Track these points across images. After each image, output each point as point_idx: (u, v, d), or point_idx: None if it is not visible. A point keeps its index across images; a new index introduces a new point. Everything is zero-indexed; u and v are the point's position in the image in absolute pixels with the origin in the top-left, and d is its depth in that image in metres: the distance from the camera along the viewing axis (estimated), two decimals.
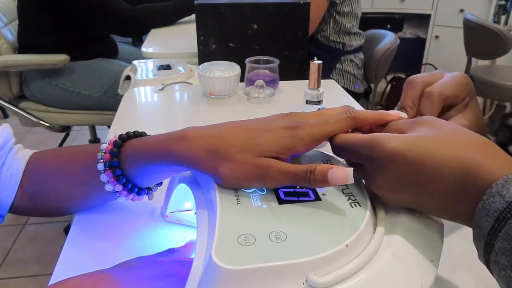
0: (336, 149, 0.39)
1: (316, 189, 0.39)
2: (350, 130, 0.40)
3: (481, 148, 0.32)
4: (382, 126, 0.39)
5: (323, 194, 0.38)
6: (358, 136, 0.37)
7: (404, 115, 0.40)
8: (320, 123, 0.38)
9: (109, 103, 1.61)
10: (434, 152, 0.32)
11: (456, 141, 0.32)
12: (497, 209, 0.28)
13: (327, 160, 0.42)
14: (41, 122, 1.67)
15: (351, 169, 0.35)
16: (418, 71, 2.86)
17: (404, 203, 0.36)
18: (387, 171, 0.34)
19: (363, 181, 0.39)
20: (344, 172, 0.35)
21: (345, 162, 0.41)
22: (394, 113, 0.40)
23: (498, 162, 0.30)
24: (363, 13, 1.73)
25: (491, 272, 0.30)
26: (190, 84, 1.07)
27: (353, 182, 0.35)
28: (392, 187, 0.34)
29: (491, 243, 0.29)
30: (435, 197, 0.33)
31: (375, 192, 0.36)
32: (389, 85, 2.79)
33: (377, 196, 0.37)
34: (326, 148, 0.43)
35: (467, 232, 0.50)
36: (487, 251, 0.29)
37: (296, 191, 0.38)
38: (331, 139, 0.39)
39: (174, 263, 0.42)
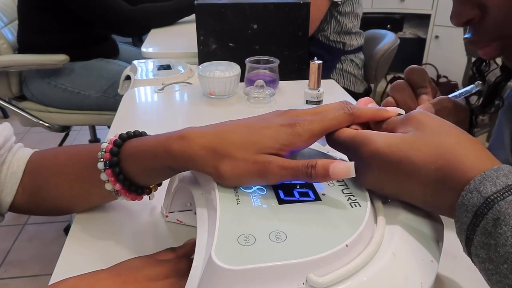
0: (330, 142, 0.40)
1: (316, 189, 0.39)
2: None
3: (463, 145, 0.33)
4: (379, 122, 0.40)
5: (323, 194, 0.38)
6: (348, 131, 0.39)
7: (401, 111, 0.40)
8: (318, 120, 0.39)
9: (108, 103, 1.61)
10: (413, 155, 0.34)
11: (437, 141, 0.34)
12: (475, 205, 0.29)
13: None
14: (40, 122, 1.67)
15: (352, 163, 0.36)
16: None
17: (389, 195, 0.38)
18: (370, 168, 0.36)
19: None
20: (345, 166, 0.36)
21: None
22: (391, 109, 0.40)
23: (476, 159, 0.32)
24: (363, 13, 1.73)
25: (475, 265, 0.31)
26: (190, 84, 1.07)
27: (354, 175, 0.36)
28: (375, 181, 0.37)
29: (470, 237, 0.30)
30: (414, 194, 0.35)
31: (361, 184, 0.38)
32: (389, 85, 2.79)
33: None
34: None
35: None
36: (468, 244, 0.30)
37: (295, 191, 0.38)
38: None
39: (172, 263, 0.42)
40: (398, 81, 0.54)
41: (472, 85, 0.54)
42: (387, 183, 0.36)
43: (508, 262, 0.27)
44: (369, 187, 0.38)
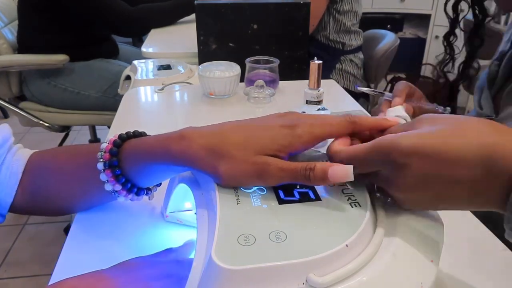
0: (354, 172, 0.36)
1: (316, 189, 0.38)
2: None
3: (494, 130, 0.32)
4: (380, 132, 0.39)
5: (323, 194, 0.38)
6: (364, 145, 0.36)
7: (402, 121, 0.40)
8: (319, 123, 0.39)
9: (108, 103, 1.61)
10: (452, 141, 0.31)
11: (465, 127, 0.32)
12: None
13: (326, 160, 0.42)
14: (40, 122, 1.67)
15: (351, 166, 0.35)
16: (418, 71, 2.86)
17: (428, 202, 0.34)
18: (408, 170, 0.32)
19: (382, 188, 0.37)
20: (344, 169, 0.35)
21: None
22: (392, 119, 0.40)
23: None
24: (363, 13, 1.73)
25: None
26: (190, 84, 1.07)
27: (353, 179, 0.35)
28: (415, 185, 0.33)
29: None
30: (461, 186, 0.32)
31: (397, 196, 0.35)
32: (389, 85, 2.79)
33: (397, 204, 0.36)
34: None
35: (467, 232, 0.50)
36: None
37: (296, 191, 0.38)
38: (332, 155, 0.38)
39: (172, 263, 0.42)
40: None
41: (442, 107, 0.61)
42: (429, 182, 0.32)
43: None
44: (407, 196, 0.35)
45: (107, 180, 0.44)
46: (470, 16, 0.82)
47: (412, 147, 0.32)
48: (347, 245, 0.32)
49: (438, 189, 0.33)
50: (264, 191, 0.38)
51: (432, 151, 0.32)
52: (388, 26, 2.79)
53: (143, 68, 1.17)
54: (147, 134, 0.47)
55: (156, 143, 0.42)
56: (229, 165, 0.37)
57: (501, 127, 0.32)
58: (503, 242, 0.47)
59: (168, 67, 1.16)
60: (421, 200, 0.34)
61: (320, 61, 0.84)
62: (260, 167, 0.37)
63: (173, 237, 0.50)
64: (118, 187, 0.44)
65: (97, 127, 2.05)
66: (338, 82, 1.34)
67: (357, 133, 0.40)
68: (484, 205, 0.33)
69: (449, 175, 0.32)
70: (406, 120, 0.46)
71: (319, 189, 0.39)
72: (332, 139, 0.39)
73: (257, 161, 0.37)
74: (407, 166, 0.32)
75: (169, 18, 1.79)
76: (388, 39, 1.76)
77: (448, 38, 0.81)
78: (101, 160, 0.44)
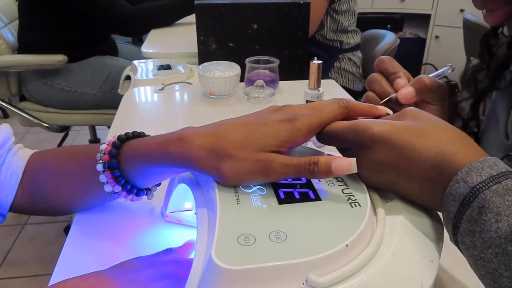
0: (323, 136, 0.40)
1: (316, 189, 0.39)
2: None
3: (457, 139, 0.35)
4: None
5: (323, 194, 0.38)
6: (344, 122, 0.39)
7: (390, 111, 0.42)
8: (316, 114, 0.39)
9: (106, 99, 1.60)
10: (415, 140, 0.35)
11: (435, 132, 0.35)
12: (462, 194, 0.31)
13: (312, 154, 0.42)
14: (40, 122, 1.67)
15: (354, 159, 0.36)
16: (418, 71, 2.86)
17: (385, 184, 0.38)
18: (372, 153, 0.36)
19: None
20: (347, 162, 0.36)
21: None
22: (382, 108, 0.42)
23: (467, 152, 0.34)
24: (363, 13, 1.73)
25: (461, 252, 0.33)
26: (190, 84, 1.07)
27: (356, 171, 0.36)
28: (375, 167, 0.37)
29: (457, 225, 0.32)
30: (412, 181, 0.35)
31: (359, 173, 0.38)
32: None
33: (361, 177, 0.39)
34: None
35: None
36: (455, 233, 0.32)
37: (296, 191, 0.38)
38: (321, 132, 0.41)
39: (172, 263, 0.42)
40: (372, 74, 0.57)
41: (445, 67, 0.58)
42: (387, 168, 0.36)
43: (492, 247, 0.29)
44: (367, 175, 0.38)
45: (107, 182, 0.44)
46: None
47: (381, 134, 0.36)
48: (347, 245, 0.32)
49: (393, 177, 0.36)
50: (264, 191, 0.38)
51: (395, 144, 0.35)
52: (388, 26, 2.79)
53: (143, 68, 1.17)
54: (146, 134, 0.47)
55: (155, 145, 0.41)
56: (231, 164, 0.37)
57: (465, 139, 0.35)
58: None
59: (168, 67, 1.16)
60: (378, 181, 0.38)
61: (320, 61, 0.84)
62: (263, 164, 0.37)
63: (173, 237, 0.50)
64: (118, 188, 0.44)
65: (97, 127, 2.05)
66: (336, 81, 1.35)
67: (349, 118, 0.41)
68: (429, 203, 0.36)
69: (404, 169, 0.35)
70: None
71: (319, 189, 0.39)
72: None
73: (260, 158, 0.37)
74: (371, 149, 0.36)
75: (169, 18, 1.79)
76: (388, 39, 1.76)
77: (488, 40, 0.64)
78: (101, 161, 0.44)
